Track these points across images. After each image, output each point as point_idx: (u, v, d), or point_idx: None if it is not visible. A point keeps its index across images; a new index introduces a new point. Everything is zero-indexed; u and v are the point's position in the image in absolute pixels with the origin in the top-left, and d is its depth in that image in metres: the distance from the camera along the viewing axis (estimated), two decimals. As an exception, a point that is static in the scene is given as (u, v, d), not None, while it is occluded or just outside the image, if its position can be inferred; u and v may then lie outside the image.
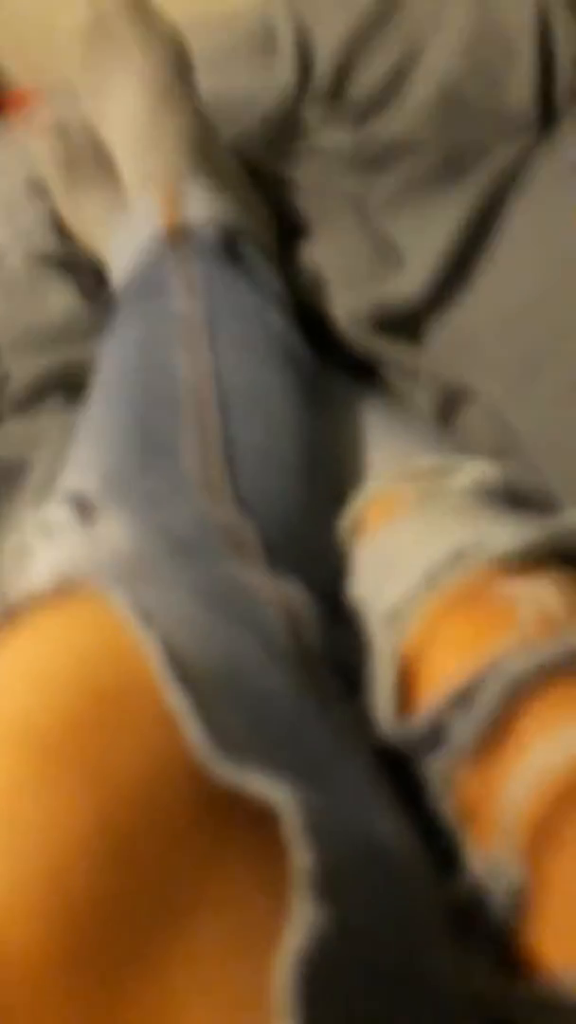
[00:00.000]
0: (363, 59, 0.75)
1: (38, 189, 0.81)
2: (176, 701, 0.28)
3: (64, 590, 0.34)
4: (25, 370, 0.73)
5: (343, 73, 0.75)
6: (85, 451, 0.52)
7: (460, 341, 0.60)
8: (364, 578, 0.45)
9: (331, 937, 0.24)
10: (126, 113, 0.70)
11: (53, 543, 0.41)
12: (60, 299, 0.75)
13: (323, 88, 0.76)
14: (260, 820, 0.28)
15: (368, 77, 0.74)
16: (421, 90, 0.67)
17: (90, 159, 0.77)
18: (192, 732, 0.28)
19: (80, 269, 0.79)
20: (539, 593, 0.36)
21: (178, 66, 0.71)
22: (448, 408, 0.57)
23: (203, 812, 0.28)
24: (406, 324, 0.61)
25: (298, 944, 0.24)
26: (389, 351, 0.60)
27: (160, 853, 0.27)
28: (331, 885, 0.25)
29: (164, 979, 0.25)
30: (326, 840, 0.26)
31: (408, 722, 0.36)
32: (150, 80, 0.70)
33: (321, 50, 0.77)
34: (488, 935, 0.32)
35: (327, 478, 0.51)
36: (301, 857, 0.25)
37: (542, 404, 0.54)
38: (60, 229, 0.80)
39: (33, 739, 0.28)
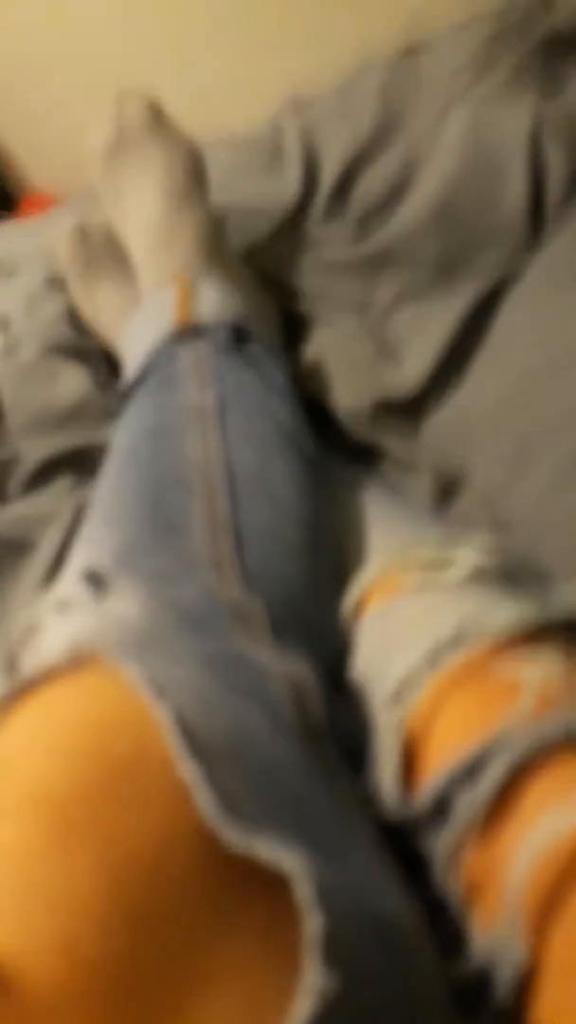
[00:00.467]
0: (365, 173, 0.81)
1: (57, 285, 0.86)
2: (187, 771, 0.29)
3: (77, 662, 0.35)
4: (35, 451, 0.76)
5: (346, 185, 0.81)
6: (97, 530, 0.54)
7: (456, 431, 0.62)
8: (365, 657, 0.46)
9: (340, 1003, 0.25)
10: (144, 215, 0.75)
11: (67, 617, 0.42)
12: (72, 384, 0.79)
13: (327, 199, 0.81)
14: (269, 889, 0.28)
15: (369, 189, 0.79)
16: (418, 203, 0.72)
17: (107, 257, 0.82)
18: (203, 800, 0.28)
19: (92, 358, 0.82)
20: (541, 667, 0.37)
21: (193, 172, 0.76)
22: (444, 494, 0.60)
23: (213, 881, 0.29)
24: (404, 415, 0.64)
25: (307, 1010, 0.24)
26: (387, 440, 0.63)
27: (171, 921, 0.28)
28: (340, 953, 0.26)
29: None
30: (335, 908, 0.27)
31: (412, 798, 0.37)
32: (167, 184, 0.75)
33: (326, 164, 0.83)
34: (492, 1014, 0.32)
35: (329, 559, 0.53)
36: (313, 923, 0.26)
37: (536, 488, 0.56)
38: (75, 322, 0.84)
39: (48, 806, 0.29)
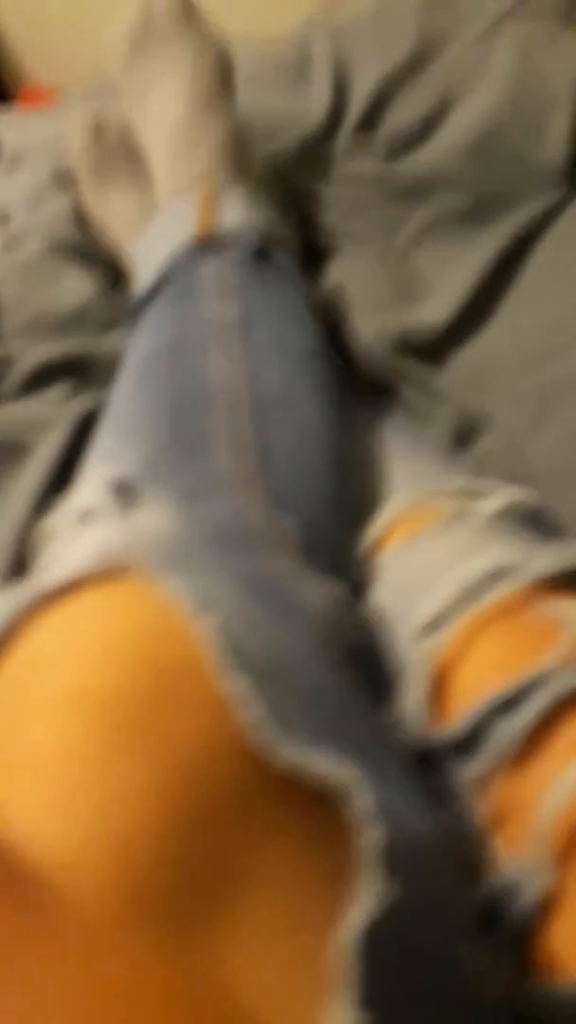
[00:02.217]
0: (398, 99, 0.77)
1: (64, 180, 0.81)
2: (234, 685, 0.29)
3: (109, 572, 0.33)
4: (32, 354, 0.72)
5: (377, 110, 0.78)
6: (116, 443, 0.52)
7: (480, 371, 0.61)
8: (390, 589, 0.45)
9: (395, 913, 0.25)
10: (167, 114, 0.71)
11: (92, 528, 0.41)
12: (74, 287, 0.75)
13: (356, 124, 0.78)
14: (314, 803, 0.28)
15: (403, 114, 0.76)
16: (459, 130, 0.69)
17: (122, 157, 0.78)
18: (252, 714, 0.28)
19: (97, 262, 0.79)
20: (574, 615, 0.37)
21: (222, 75, 0.72)
22: (465, 434, 0.59)
23: (259, 792, 0.28)
24: (428, 350, 0.63)
25: (364, 917, 0.24)
26: (411, 372, 0.61)
27: (217, 826, 0.27)
28: (393, 864, 0.26)
29: (216, 948, 0.25)
30: (386, 821, 0.27)
31: (444, 726, 0.37)
32: (194, 84, 0.70)
33: (358, 84, 0.79)
34: (510, 935, 0.32)
35: (352, 487, 0.52)
36: (371, 832, 0.25)
37: (557, 439, 0.56)
38: (82, 223, 0.80)
39: (94, 709, 0.28)
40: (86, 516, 0.42)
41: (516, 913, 0.32)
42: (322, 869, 0.27)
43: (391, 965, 0.25)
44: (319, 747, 0.28)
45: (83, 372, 0.72)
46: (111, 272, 0.79)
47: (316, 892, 0.27)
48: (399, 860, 0.26)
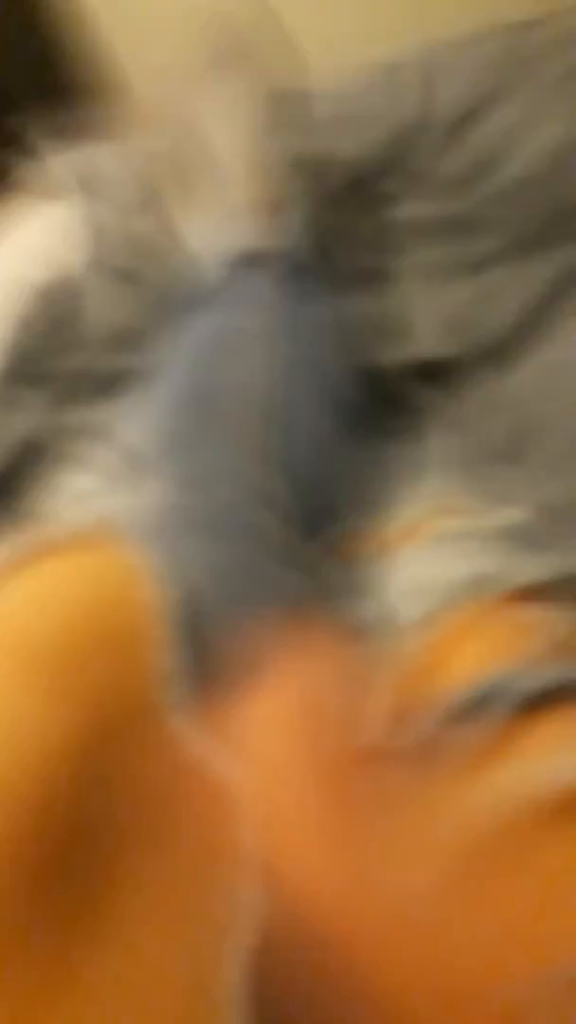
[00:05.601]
0: (472, 131, 0.79)
1: (142, 205, 0.86)
2: (167, 662, 0.30)
3: (87, 536, 0.35)
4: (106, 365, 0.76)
5: (456, 136, 0.79)
6: (141, 417, 0.54)
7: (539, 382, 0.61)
8: (384, 596, 0.45)
9: None
10: (235, 133, 0.75)
11: (98, 494, 0.43)
12: (137, 308, 0.79)
13: (437, 145, 0.80)
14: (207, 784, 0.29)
15: (475, 146, 0.77)
16: (518, 169, 0.70)
17: (192, 179, 0.82)
18: (168, 695, 0.29)
19: (145, 284, 0.82)
20: (551, 621, 0.37)
21: (280, 109, 0.75)
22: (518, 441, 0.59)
23: (169, 755, 0.29)
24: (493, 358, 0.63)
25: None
26: (433, 399, 0.62)
27: (129, 777, 0.28)
28: None
29: (117, 897, 0.26)
30: None
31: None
32: (256, 114, 0.74)
33: (441, 107, 0.81)
34: None
35: (358, 494, 0.53)
36: None
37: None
38: (151, 244, 0.84)
39: (27, 651, 0.30)
40: (98, 481, 0.44)
41: None
42: (212, 844, 0.28)
43: None
44: None
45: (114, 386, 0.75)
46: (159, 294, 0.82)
47: (206, 859, 0.27)
48: None
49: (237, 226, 0.71)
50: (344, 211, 0.75)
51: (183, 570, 0.35)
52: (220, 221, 0.78)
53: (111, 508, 0.40)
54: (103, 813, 0.27)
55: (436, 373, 0.64)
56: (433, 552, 0.45)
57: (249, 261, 0.65)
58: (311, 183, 0.74)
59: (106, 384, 0.75)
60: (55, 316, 0.81)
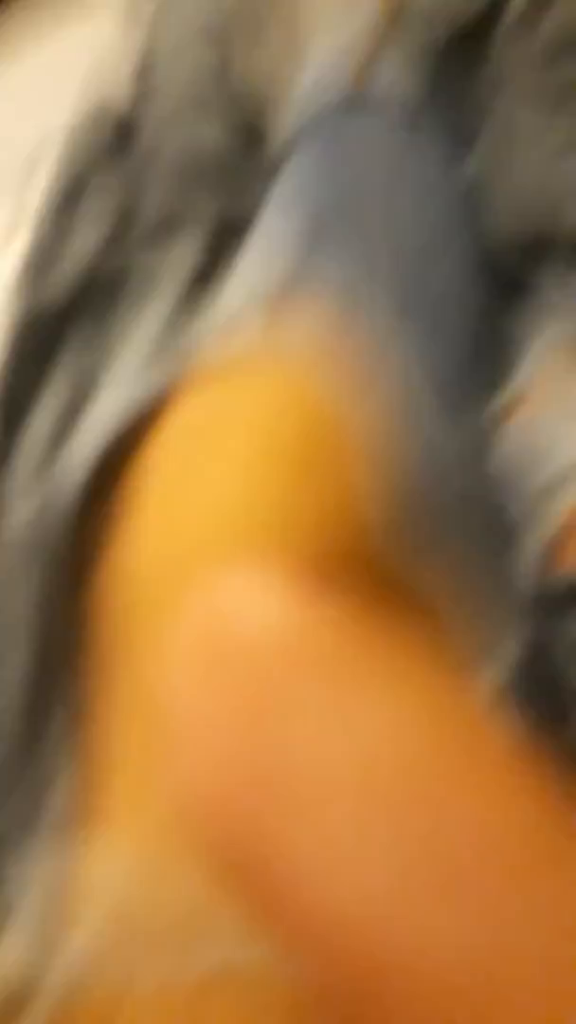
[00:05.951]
0: None
1: (210, 35, 0.79)
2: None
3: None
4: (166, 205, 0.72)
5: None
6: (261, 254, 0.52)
7: None
8: (516, 454, 0.45)
9: None
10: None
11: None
12: (214, 141, 0.74)
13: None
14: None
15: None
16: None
17: (271, 11, 0.76)
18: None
19: (235, 119, 0.77)
20: None
21: None
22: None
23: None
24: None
25: None
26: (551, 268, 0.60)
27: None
28: None
29: None
30: None
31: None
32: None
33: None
34: None
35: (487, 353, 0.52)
36: None
37: None
38: (223, 78, 0.78)
39: (276, 450, 0.30)
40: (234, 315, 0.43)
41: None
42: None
43: None
44: None
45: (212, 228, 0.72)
46: (248, 133, 0.77)
47: None
48: None
49: (328, 68, 0.67)
50: (456, 65, 0.71)
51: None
52: (297, 60, 0.73)
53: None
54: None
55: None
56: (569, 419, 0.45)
57: (352, 104, 0.62)
58: (419, 33, 0.69)
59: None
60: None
